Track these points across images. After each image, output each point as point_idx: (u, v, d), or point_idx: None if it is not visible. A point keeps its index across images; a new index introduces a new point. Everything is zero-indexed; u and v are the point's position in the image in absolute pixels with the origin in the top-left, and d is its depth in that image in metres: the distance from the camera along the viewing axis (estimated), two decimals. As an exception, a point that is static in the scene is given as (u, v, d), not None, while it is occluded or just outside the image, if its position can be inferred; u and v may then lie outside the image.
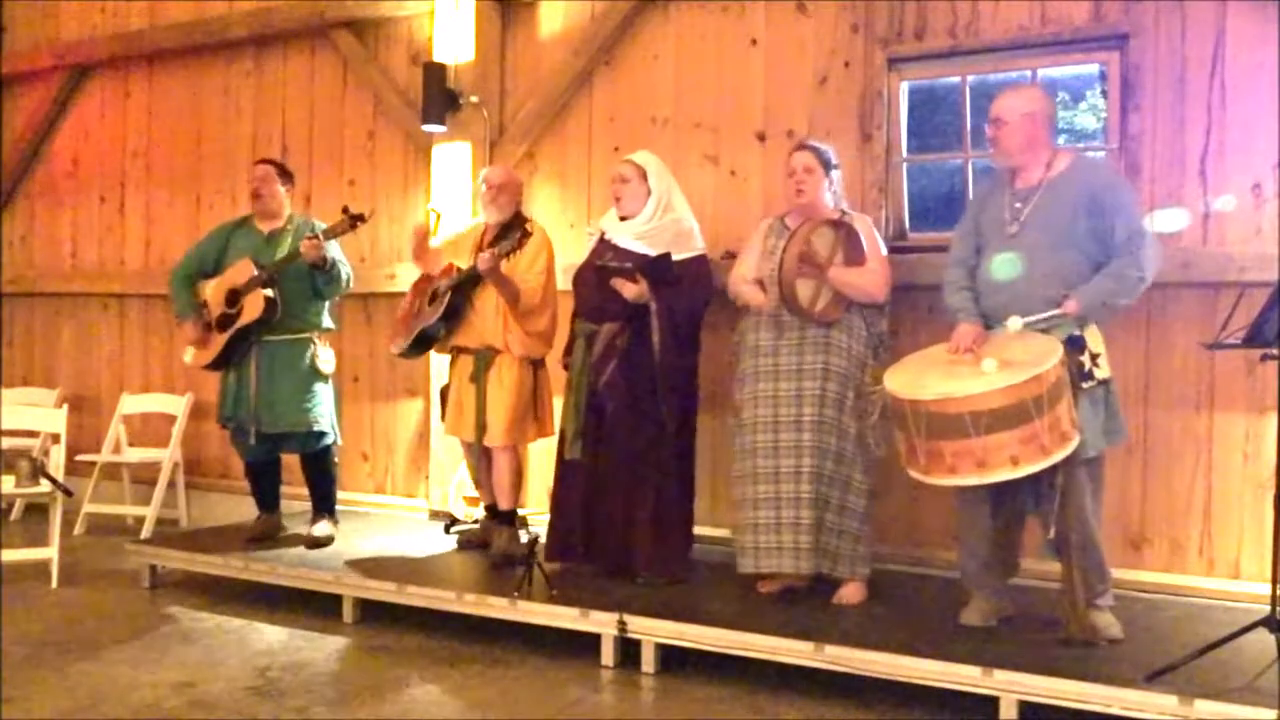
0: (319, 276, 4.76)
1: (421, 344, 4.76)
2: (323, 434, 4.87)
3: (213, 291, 4.88)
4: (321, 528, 4.89)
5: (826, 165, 4.08)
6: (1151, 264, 3.46)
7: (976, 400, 3.20)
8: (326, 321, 4.97)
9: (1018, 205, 3.58)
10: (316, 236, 4.63)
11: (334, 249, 4.79)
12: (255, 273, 4.73)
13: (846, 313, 3.97)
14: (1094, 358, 3.40)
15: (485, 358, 4.57)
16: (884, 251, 4.10)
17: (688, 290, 4.27)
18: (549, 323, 4.60)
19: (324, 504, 5.00)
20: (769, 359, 4.02)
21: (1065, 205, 3.51)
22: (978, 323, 3.58)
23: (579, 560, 4.36)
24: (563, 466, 4.44)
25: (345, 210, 4.66)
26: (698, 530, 4.56)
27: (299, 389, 4.80)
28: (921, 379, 3.40)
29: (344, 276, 4.84)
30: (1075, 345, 3.39)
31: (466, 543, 4.90)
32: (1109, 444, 3.50)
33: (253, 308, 4.73)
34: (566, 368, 4.46)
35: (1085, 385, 3.37)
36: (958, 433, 3.23)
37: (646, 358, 4.21)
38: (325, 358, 4.88)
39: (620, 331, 4.26)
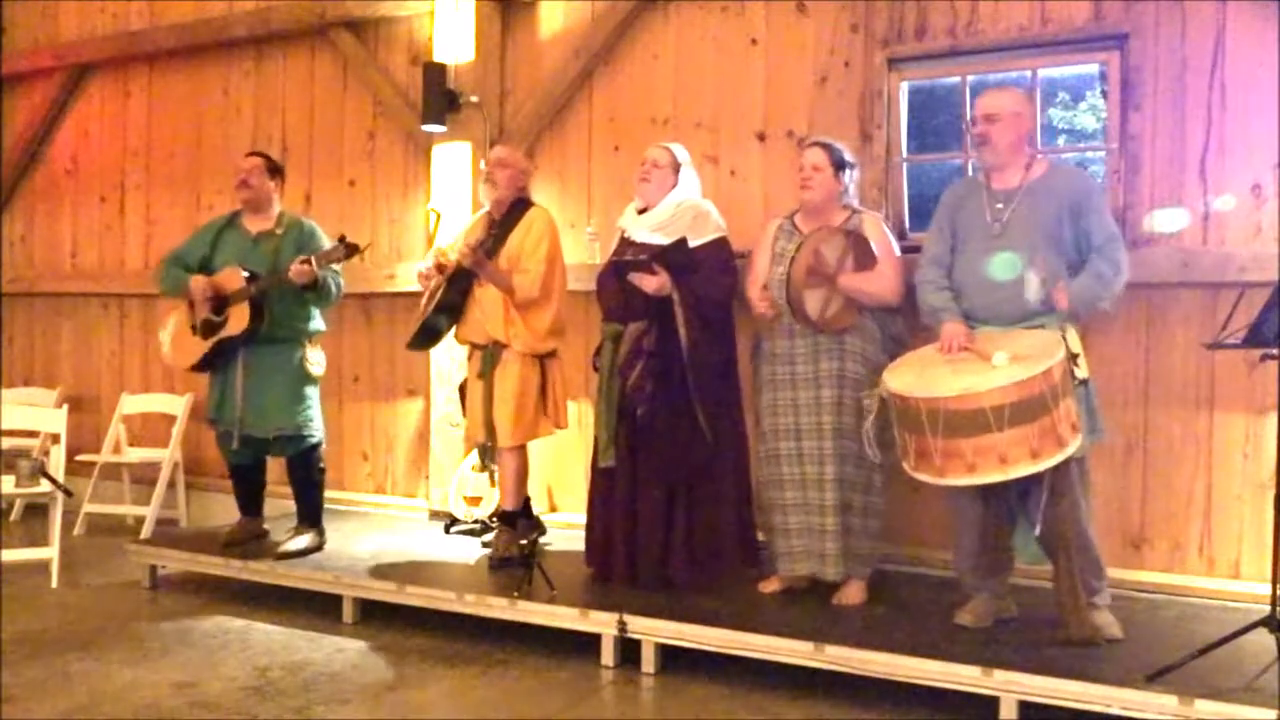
0: (309, 294, 4.62)
1: (427, 337, 4.72)
2: (309, 437, 4.73)
3: (199, 293, 4.72)
4: (299, 541, 4.69)
5: (839, 164, 4.03)
6: (1125, 267, 3.56)
7: (998, 394, 3.19)
8: (317, 324, 4.83)
9: (999, 206, 3.62)
10: (309, 261, 4.47)
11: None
12: (243, 285, 4.59)
13: (859, 316, 3.93)
14: (1074, 358, 3.41)
15: (492, 353, 4.52)
16: (897, 250, 4.04)
17: (711, 276, 4.11)
18: (554, 317, 4.49)
19: (308, 514, 4.81)
20: (786, 366, 3.99)
21: (1049, 208, 3.55)
22: (962, 321, 3.60)
23: (621, 576, 4.14)
24: (596, 474, 4.30)
25: (342, 239, 4.51)
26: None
27: (286, 392, 4.66)
28: (929, 378, 3.38)
29: (334, 291, 4.71)
30: None
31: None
32: (1092, 441, 3.54)
33: (238, 321, 4.61)
34: (597, 369, 4.31)
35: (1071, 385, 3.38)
36: (980, 429, 3.21)
37: (676, 355, 4.05)
38: (315, 360, 4.76)
39: (647, 330, 4.10)
